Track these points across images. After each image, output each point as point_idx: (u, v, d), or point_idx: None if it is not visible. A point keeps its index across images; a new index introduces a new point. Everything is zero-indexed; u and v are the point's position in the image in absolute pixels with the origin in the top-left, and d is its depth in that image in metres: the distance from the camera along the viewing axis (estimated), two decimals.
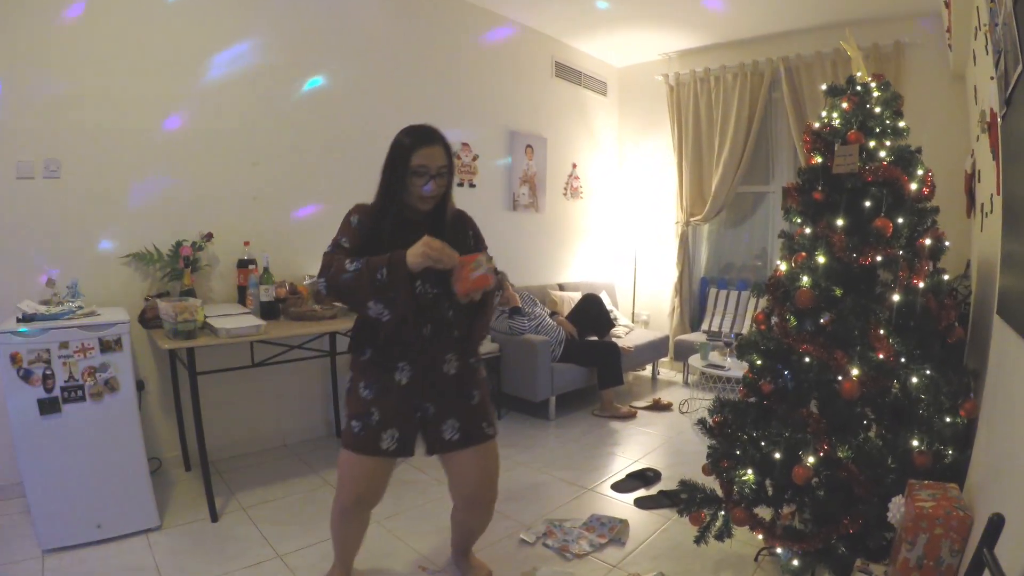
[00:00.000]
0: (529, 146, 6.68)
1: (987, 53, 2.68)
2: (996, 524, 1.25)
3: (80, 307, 3.25)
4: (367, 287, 2.22)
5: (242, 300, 4.16)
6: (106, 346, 3.13)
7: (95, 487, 3.13)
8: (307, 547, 3.22)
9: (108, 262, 3.79)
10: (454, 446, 2.52)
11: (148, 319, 3.62)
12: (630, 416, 5.61)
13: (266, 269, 4.15)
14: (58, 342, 3.00)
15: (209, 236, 4.06)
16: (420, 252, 2.18)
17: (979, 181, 3.36)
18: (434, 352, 2.46)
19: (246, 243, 4.22)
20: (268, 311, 4.06)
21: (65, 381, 3.03)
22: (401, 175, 2.32)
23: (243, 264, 4.18)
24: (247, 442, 4.51)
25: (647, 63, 7.65)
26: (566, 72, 7.20)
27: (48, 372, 2.98)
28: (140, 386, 3.57)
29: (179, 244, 3.93)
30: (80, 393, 3.07)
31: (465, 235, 2.56)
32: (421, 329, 2.41)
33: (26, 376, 2.93)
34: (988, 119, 2.71)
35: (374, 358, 2.45)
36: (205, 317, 3.50)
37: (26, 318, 2.98)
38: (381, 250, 2.26)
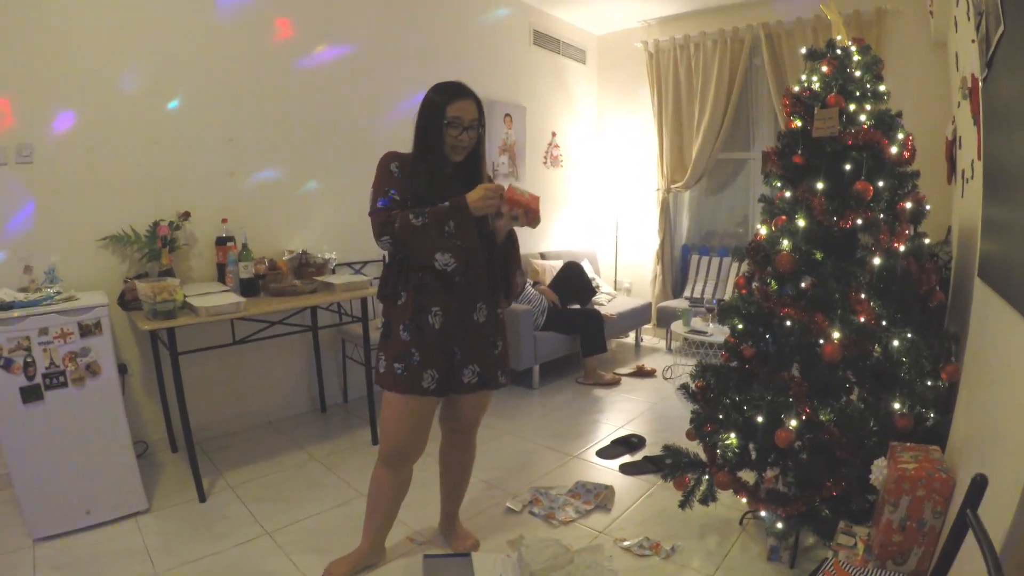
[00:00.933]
0: (508, 115, 6.62)
1: (968, 19, 2.68)
2: (979, 485, 1.26)
3: (59, 292, 3.20)
4: (436, 239, 2.34)
5: (222, 278, 4.10)
6: (86, 330, 3.09)
7: (82, 473, 3.11)
8: (296, 523, 3.23)
9: (85, 246, 3.71)
10: (469, 389, 2.61)
11: (128, 301, 3.58)
12: (614, 383, 5.64)
13: (244, 246, 4.09)
14: (37, 328, 2.95)
15: (186, 215, 4.00)
16: (481, 196, 2.32)
17: (960, 147, 3.37)
18: (466, 299, 2.52)
19: (224, 220, 4.16)
20: (248, 288, 4.02)
21: (46, 368, 2.98)
22: (437, 127, 2.42)
23: (221, 242, 4.11)
24: (232, 420, 4.49)
25: (626, 30, 7.58)
26: (545, 40, 7.11)
27: (29, 359, 2.93)
28: (122, 369, 3.53)
29: (156, 224, 3.85)
30: (62, 379, 3.03)
31: None
32: (455, 277, 2.44)
33: (7, 365, 2.88)
34: (969, 85, 2.71)
35: (409, 302, 2.49)
36: (184, 296, 3.45)
37: (4, 307, 2.93)
38: (416, 202, 2.40)
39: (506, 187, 2.40)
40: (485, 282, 2.53)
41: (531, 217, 2.42)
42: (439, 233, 2.33)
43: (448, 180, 2.47)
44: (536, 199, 2.44)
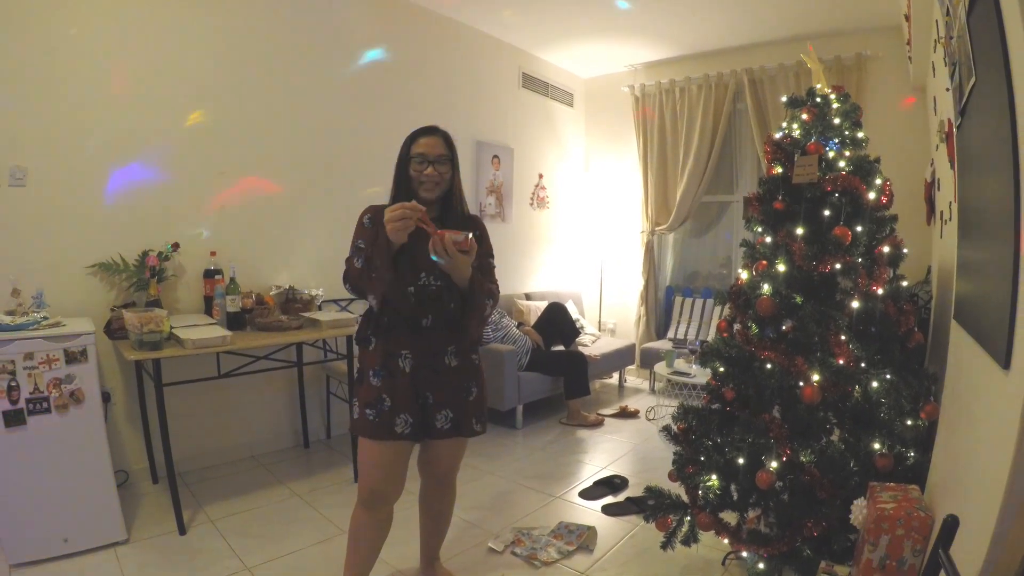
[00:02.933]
0: (496, 156, 6.70)
1: (944, 65, 2.75)
2: (950, 526, 1.28)
3: (45, 317, 3.20)
4: (367, 279, 2.39)
5: (208, 311, 4.11)
6: (71, 357, 3.08)
7: (61, 500, 3.07)
8: (275, 559, 3.20)
9: (74, 272, 3.72)
10: (442, 435, 2.58)
11: (114, 330, 3.58)
12: (597, 424, 5.64)
13: (232, 279, 4.11)
14: (23, 353, 2.95)
15: (176, 246, 4.02)
16: (390, 214, 2.24)
17: (939, 189, 3.44)
18: (435, 343, 2.52)
19: (212, 253, 4.18)
20: (235, 322, 4.03)
21: (30, 393, 2.97)
22: (404, 165, 2.49)
23: (209, 274, 4.13)
24: (215, 454, 4.46)
25: (613, 74, 7.72)
26: (533, 83, 7.24)
27: (13, 384, 2.92)
28: (106, 398, 3.52)
29: (145, 254, 3.87)
30: (45, 405, 3.01)
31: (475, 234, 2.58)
32: (421, 320, 2.46)
33: None
34: (946, 129, 2.78)
35: (379, 347, 2.51)
36: (171, 328, 3.46)
37: None
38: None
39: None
40: (453, 327, 2.52)
41: (449, 248, 2.26)
42: (368, 273, 2.38)
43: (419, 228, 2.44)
44: (463, 236, 2.29)
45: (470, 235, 2.29)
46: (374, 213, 2.53)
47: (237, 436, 4.60)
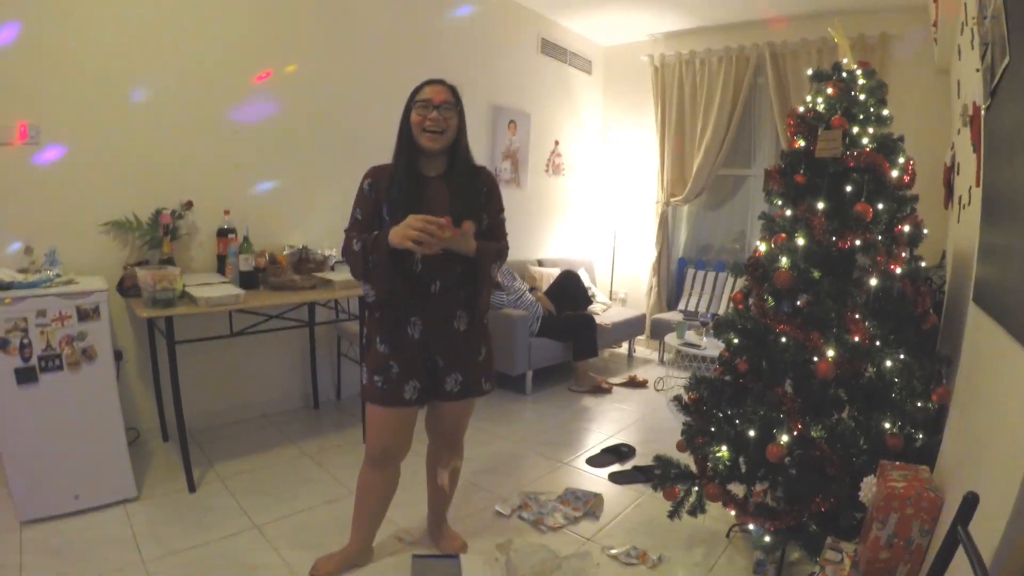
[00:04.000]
0: (512, 121, 6.65)
1: (972, 47, 2.71)
2: (971, 503, 1.28)
3: (58, 275, 3.20)
4: (361, 269, 2.41)
5: (221, 269, 4.12)
6: (84, 314, 3.09)
7: (72, 457, 3.10)
8: (284, 517, 3.24)
9: (87, 229, 3.72)
10: (452, 397, 2.61)
11: (127, 288, 3.59)
12: (606, 389, 5.67)
13: (246, 238, 4.11)
14: (35, 310, 2.95)
15: (189, 204, 4.02)
16: (401, 233, 2.25)
17: (958, 174, 3.40)
18: (444, 308, 2.52)
19: (226, 212, 4.17)
20: (247, 281, 4.03)
21: (43, 350, 2.98)
22: (407, 112, 2.46)
23: (223, 233, 4.13)
24: (225, 412, 4.50)
25: (633, 43, 7.63)
26: (552, 49, 7.16)
27: (25, 341, 2.93)
28: (118, 356, 3.54)
29: (159, 212, 3.87)
30: (58, 362, 3.02)
31: (476, 191, 2.56)
32: (430, 286, 2.47)
33: (3, 345, 2.88)
34: (971, 112, 2.74)
35: (388, 314, 2.51)
36: (184, 286, 3.47)
37: (3, 286, 2.93)
38: (397, 209, 2.38)
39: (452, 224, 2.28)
40: (460, 292, 2.53)
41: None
42: (364, 265, 2.40)
43: (429, 181, 2.49)
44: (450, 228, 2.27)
45: (447, 219, 2.27)
46: (375, 177, 2.52)
47: (248, 395, 4.64)
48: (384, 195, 2.46)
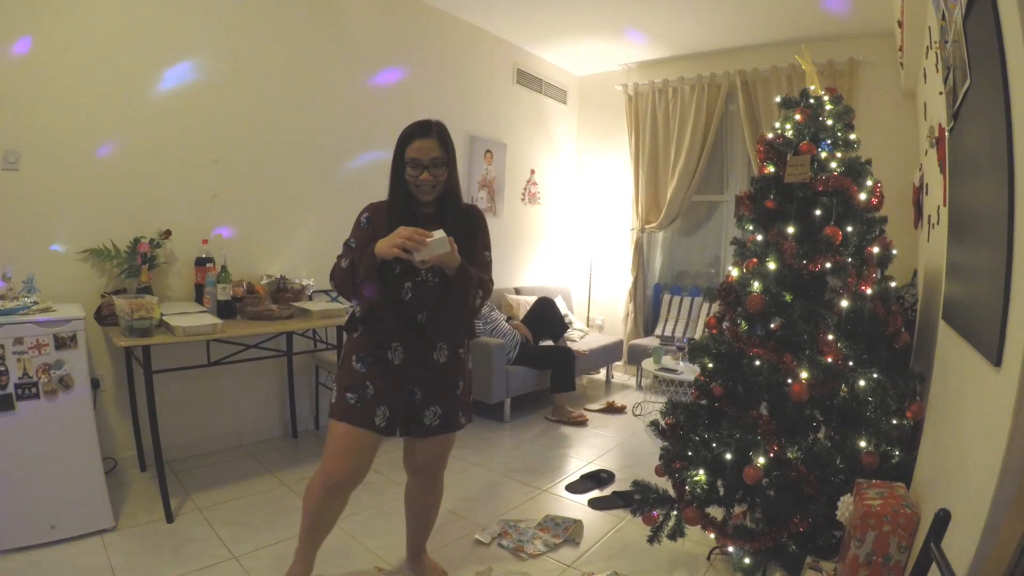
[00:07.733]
0: (488, 151, 6.71)
1: (937, 70, 2.78)
2: (942, 519, 1.30)
3: (36, 303, 3.18)
4: (351, 284, 2.37)
5: (199, 298, 4.10)
6: (61, 343, 3.06)
7: (49, 487, 3.05)
8: (262, 548, 3.19)
9: (65, 258, 3.70)
10: (430, 432, 2.58)
11: (104, 316, 3.56)
12: (581, 422, 5.64)
13: (224, 267, 4.10)
14: (12, 338, 2.93)
15: (167, 233, 4.00)
16: (389, 242, 2.21)
17: (927, 194, 3.47)
18: (428, 339, 2.51)
19: (204, 241, 4.17)
20: (225, 310, 4.03)
21: (19, 378, 2.95)
22: (399, 168, 2.42)
23: (201, 262, 4.11)
24: (203, 442, 4.45)
25: (607, 73, 7.75)
26: (527, 79, 7.25)
27: (2, 368, 2.90)
28: (95, 384, 3.51)
29: (137, 240, 3.85)
30: (34, 390, 2.99)
31: (473, 229, 2.57)
32: (417, 316, 2.46)
33: None
34: (936, 134, 2.81)
35: (370, 336, 2.49)
36: (162, 315, 3.45)
37: None
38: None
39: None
40: (446, 324, 2.51)
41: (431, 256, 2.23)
42: (353, 279, 2.36)
43: (424, 220, 2.44)
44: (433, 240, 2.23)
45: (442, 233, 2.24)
46: (372, 212, 2.51)
47: (226, 425, 4.59)
48: (381, 229, 2.42)
